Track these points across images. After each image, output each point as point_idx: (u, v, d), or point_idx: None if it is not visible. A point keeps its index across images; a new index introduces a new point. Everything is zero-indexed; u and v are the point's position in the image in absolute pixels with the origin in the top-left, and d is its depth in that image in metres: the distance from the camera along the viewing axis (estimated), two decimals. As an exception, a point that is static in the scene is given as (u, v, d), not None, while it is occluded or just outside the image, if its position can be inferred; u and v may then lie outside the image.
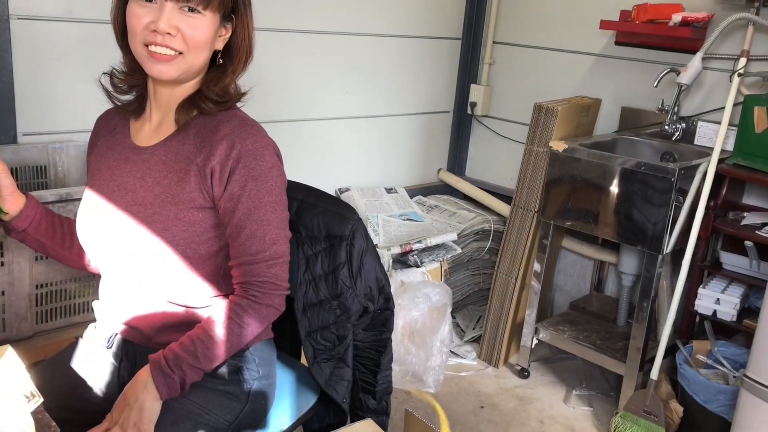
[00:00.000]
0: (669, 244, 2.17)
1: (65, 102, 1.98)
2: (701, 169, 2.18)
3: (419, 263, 2.60)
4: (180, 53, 1.14)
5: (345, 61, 2.72)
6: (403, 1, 2.84)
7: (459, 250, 2.77)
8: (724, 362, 2.14)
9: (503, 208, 2.94)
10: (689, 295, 2.25)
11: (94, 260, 1.31)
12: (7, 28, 1.82)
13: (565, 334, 2.53)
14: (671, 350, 2.27)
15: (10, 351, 0.94)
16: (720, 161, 2.18)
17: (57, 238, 1.33)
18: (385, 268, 2.54)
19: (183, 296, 1.21)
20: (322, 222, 1.42)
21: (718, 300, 2.17)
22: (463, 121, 3.23)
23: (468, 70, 3.16)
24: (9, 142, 1.88)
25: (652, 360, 2.22)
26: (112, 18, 1.20)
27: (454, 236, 2.74)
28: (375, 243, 2.58)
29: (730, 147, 2.26)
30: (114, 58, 1.25)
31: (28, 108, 1.92)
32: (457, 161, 3.29)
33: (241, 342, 1.19)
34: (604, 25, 2.56)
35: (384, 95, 2.92)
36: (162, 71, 1.14)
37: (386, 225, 2.76)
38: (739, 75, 2.23)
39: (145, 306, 1.22)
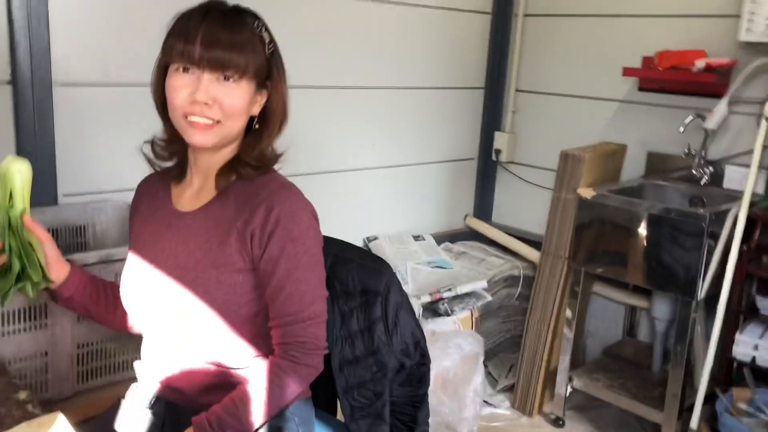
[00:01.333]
0: (703, 290, 2.15)
1: (103, 163, 2.04)
2: (732, 214, 2.17)
3: (450, 312, 2.60)
4: (218, 121, 1.18)
5: (371, 114, 2.77)
6: (427, 53, 2.90)
7: (489, 298, 2.76)
8: (766, 410, 2.09)
9: (531, 253, 2.93)
10: (726, 341, 2.22)
11: (137, 322, 1.34)
12: (50, 96, 1.89)
13: (600, 381, 2.50)
14: (710, 398, 2.23)
15: (61, 418, 0.96)
16: (751, 204, 2.17)
17: (101, 302, 1.36)
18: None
19: (224, 357, 1.23)
20: (357, 277, 1.44)
21: (757, 346, 2.14)
22: (488, 168, 3.26)
23: (492, 118, 3.20)
24: (50, 204, 1.94)
25: (690, 408, 2.18)
26: (152, 91, 1.25)
27: (484, 284, 2.73)
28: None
29: (760, 190, 2.26)
30: (149, 118, 1.29)
31: (68, 170, 1.98)
32: (483, 207, 3.30)
33: (281, 403, 1.20)
34: (628, 72, 2.59)
35: (410, 145, 2.96)
36: (201, 140, 1.18)
37: (415, 273, 2.76)
38: (767, 119, 2.23)
39: (187, 367, 1.24)
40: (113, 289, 1.37)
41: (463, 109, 3.13)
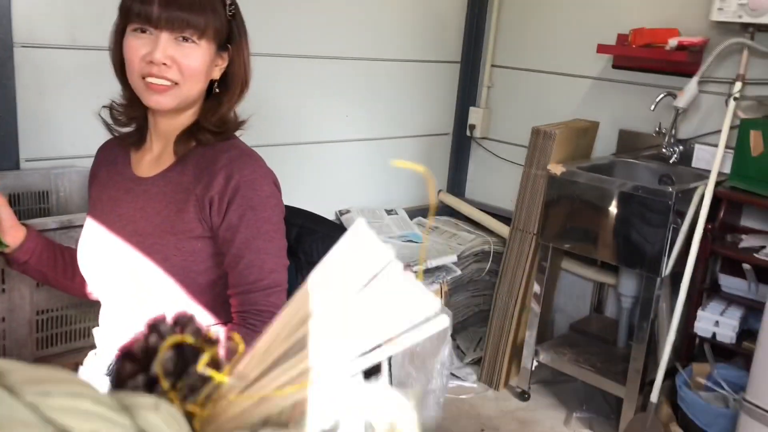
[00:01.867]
0: (668, 267, 2.18)
1: (67, 128, 2.00)
2: (699, 192, 2.20)
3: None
4: (176, 83, 1.15)
5: (345, 85, 2.75)
6: (403, 25, 2.88)
7: (459, 272, 2.77)
8: (724, 385, 2.14)
9: (503, 229, 2.95)
10: (688, 317, 2.26)
11: (95, 289, 1.32)
12: (11, 56, 1.84)
13: (566, 356, 2.53)
14: (671, 373, 2.27)
15: None
16: (717, 184, 2.20)
17: (59, 268, 1.34)
18: (385, 291, 2.54)
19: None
20: (322, 247, 1.43)
21: (717, 322, 2.18)
22: (462, 143, 3.26)
23: (467, 93, 3.19)
24: (11, 168, 1.90)
25: (652, 383, 2.22)
26: (110, 52, 1.22)
27: (454, 258, 2.74)
28: (375, 265, 2.60)
29: (727, 170, 2.28)
30: (115, 83, 1.27)
31: (31, 134, 1.94)
32: (456, 183, 3.30)
33: (239, 370, 1.20)
34: (602, 49, 2.59)
35: (384, 118, 2.94)
36: (159, 101, 1.16)
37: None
38: (735, 99, 2.25)
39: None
40: (71, 255, 1.35)
41: (438, 83, 3.11)
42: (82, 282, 1.35)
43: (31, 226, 1.32)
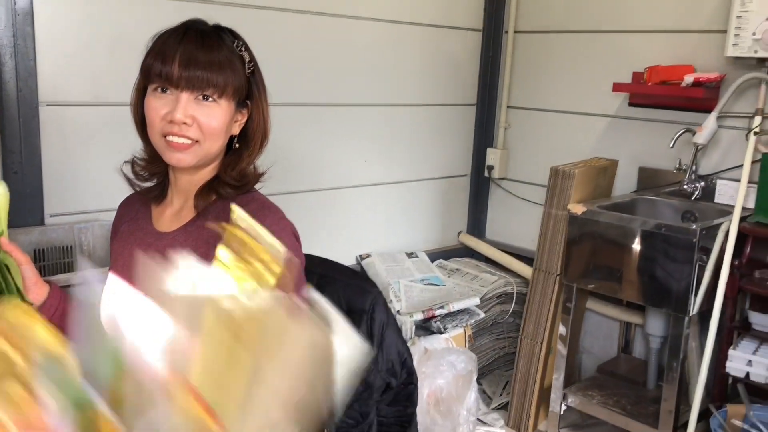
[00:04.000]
0: (695, 305, 2.13)
1: (90, 183, 2.04)
2: (723, 228, 2.16)
3: (442, 329, 2.58)
4: (196, 141, 1.17)
5: (363, 130, 2.77)
6: (419, 70, 2.91)
7: (482, 315, 2.74)
8: (762, 427, 2.07)
9: (525, 269, 2.92)
10: (720, 357, 2.20)
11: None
12: (36, 115, 1.89)
13: (594, 399, 2.47)
14: (704, 415, 2.20)
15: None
16: (742, 219, 2.17)
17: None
18: (408, 335, 2.52)
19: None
20: (342, 296, 1.43)
21: (750, 361, 2.12)
22: (480, 184, 3.26)
23: (484, 135, 3.20)
24: (36, 224, 1.93)
25: (685, 425, 2.16)
26: (131, 110, 1.24)
27: (476, 300, 2.72)
28: (397, 309, 2.58)
29: (751, 204, 2.25)
30: (137, 138, 1.29)
31: (55, 190, 1.97)
32: (476, 224, 3.30)
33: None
34: (617, 87, 2.59)
35: (402, 161, 2.96)
36: (180, 159, 1.17)
37: (408, 290, 2.75)
38: (756, 134, 2.23)
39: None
40: None
41: (455, 126, 3.13)
42: None
43: (54, 283, 1.33)
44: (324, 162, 2.66)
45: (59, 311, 1.31)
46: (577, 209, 2.36)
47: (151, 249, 1.25)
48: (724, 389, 2.27)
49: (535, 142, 3.06)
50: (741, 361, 2.14)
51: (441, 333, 2.58)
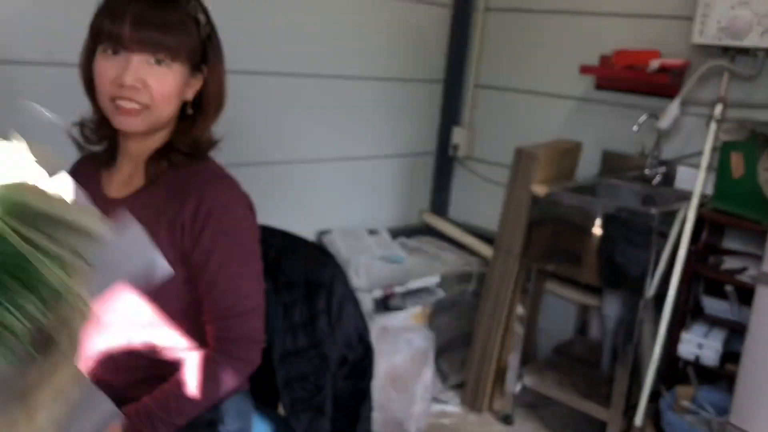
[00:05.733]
0: (651, 288, 2.16)
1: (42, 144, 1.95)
2: (681, 214, 2.19)
3: (401, 307, 2.58)
4: (147, 106, 1.12)
5: (325, 103, 2.73)
6: (385, 43, 2.87)
7: (442, 294, 2.74)
8: (708, 408, 2.12)
9: (486, 250, 2.92)
10: (672, 339, 2.24)
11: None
12: (-16, 73, 1.80)
13: (549, 379, 2.50)
14: (655, 396, 2.25)
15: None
16: (700, 205, 2.20)
17: None
18: (367, 312, 2.51)
19: (155, 350, 1.18)
20: (301, 268, 1.40)
21: (701, 345, 2.16)
22: (445, 163, 3.24)
23: (450, 113, 3.18)
24: (-17, 186, 1.85)
25: (636, 406, 2.20)
26: (79, 71, 1.19)
27: (436, 279, 2.72)
28: (357, 286, 2.56)
29: (709, 191, 2.28)
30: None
31: (5, 151, 1.89)
32: (440, 203, 3.29)
33: (215, 397, 1.16)
34: (585, 70, 2.60)
35: (365, 136, 2.92)
36: (128, 124, 1.12)
37: (368, 268, 2.73)
38: (717, 121, 2.26)
39: (116, 360, 1.19)
40: None
41: (420, 103, 3.10)
42: None
43: None
44: (284, 134, 2.61)
45: None
46: (541, 190, 2.36)
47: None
48: (675, 372, 2.32)
49: (501, 122, 3.05)
50: (692, 344, 2.18)
51: (400, 310, 2.57)
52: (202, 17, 1.16)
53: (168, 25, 1.10)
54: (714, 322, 2.21)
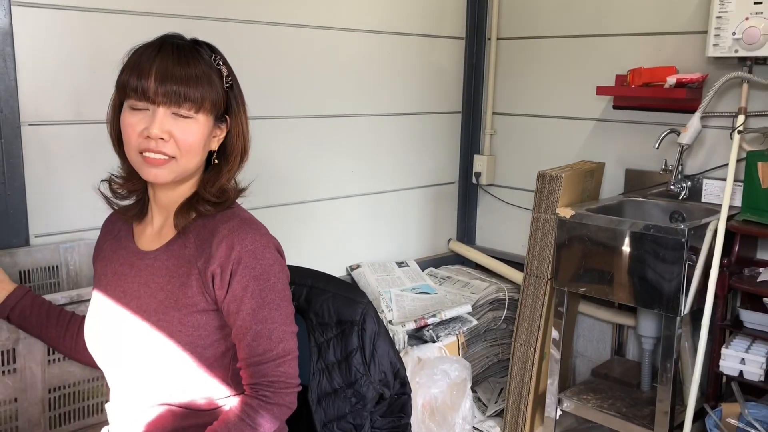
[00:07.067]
0: (686, 305, 2.13)
1: (74, 201, 2.01)
2: (711, 227, 2.17)
3: (435, 338, 2.57)
4: (173, 157, 1.15)
5: (348, 141, 2.77)
6: (404, 80, 2.91)
7: (475, 322, 2.73)
8: (756, 425, 2.07)
9: (516, 275, 2.92)
10: (713, 356, 2.20)
11: (101, 363, 1.30)
12: (18, 136, 1.87)
13: (589, 402, 2.46)
14: (700, 414, 2.20)
15: None
16: (729, 218, 2.17)
17: (51, 326, 1.39)
18: (401, 345, 2.51)
19: (193, 399, 1.20)
20: (332, 307, 1.41)
21: (743, 360, 2.12)
22: (469, 191, 3.26)
23: (470, 141, 3.21)
24: (21, 245, 1.91)
25: (680, 426, 2.16)
26: (108, 127, 1.23)
27: (468, 308, 2.71)
28: (389, 319, 2.57)
29: (738, 203, 2.26)
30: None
31: (39, 210, 1.95)
32: (466, 231, 3.29)
33: (255, 443, 1.17)
34: (601, 91, 2.60)
35: (389, 171, 2.95)
36: (156, 175, 1.16)
37: (399, 300, 2.74)
38: (739, 132, 2.24)
39: (157, 409, 1.21)
40: (73, 317, 1.38)
41: (441, 134, 3.13)
42: (86, 349, 1.34)
43: (23, 286, 1.36)
44: (310, 174, 2.65)
45: (18, 311, 1.36)
46: (566, 213, 2.36)
47: (134, 269, 1.24)
48: (718, 388, 2.27)
49: (521, 148, 3.07)
50: (734, 359, 2.13)
51: (434, 342, 2.56)
52: (224, 69, 1.20)
53: (191, 78, 1.14)
54: (755, 335, 2.16)
